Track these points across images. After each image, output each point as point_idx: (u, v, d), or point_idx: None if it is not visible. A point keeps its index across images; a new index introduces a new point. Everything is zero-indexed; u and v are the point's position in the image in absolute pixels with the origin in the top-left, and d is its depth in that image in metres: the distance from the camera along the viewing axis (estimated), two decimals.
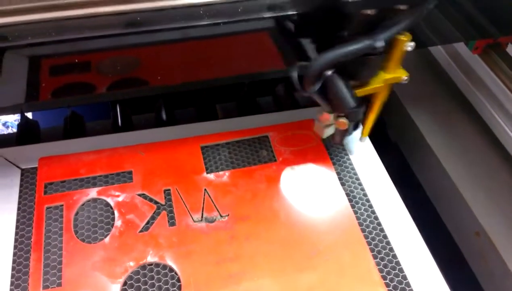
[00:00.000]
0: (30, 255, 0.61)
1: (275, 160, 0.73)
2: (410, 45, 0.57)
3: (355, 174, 0.72)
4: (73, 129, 0.88)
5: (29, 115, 1.09)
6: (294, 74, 0.56)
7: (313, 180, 0.71)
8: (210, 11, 0.56)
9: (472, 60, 0.83)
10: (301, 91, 0.56)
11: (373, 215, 0.67)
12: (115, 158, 0.71)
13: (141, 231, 0.63)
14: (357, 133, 0.72)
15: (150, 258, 0.60)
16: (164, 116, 0.91)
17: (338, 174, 0.72)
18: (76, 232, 0.63)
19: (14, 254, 0.61)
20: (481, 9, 0.66)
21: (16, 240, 0.63)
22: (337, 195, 0.69)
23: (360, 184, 0.71)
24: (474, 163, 0.78)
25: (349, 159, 0.75)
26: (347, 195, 0.69)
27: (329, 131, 0.65)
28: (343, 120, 0.60)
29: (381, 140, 0.83)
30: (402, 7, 0.53)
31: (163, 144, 0.74)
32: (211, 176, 0.70)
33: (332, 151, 0.75)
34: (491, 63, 0.75)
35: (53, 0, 0.52)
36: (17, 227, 0.64)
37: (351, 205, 0.68)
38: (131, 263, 0.60)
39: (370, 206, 0.68)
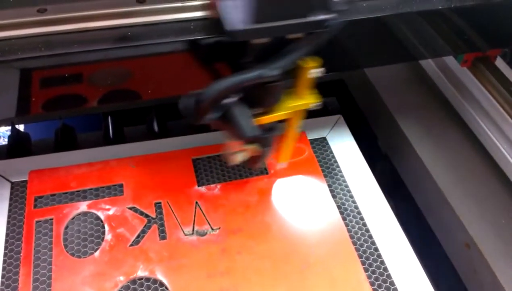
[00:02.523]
0: (19, 269, 0.60)
1: (267, 173, 0.73)
2: (316, 72, 0.55)
3: (347, 186, 0.73)
4: (64, 142, 0.88)
5: (21, 127, 1.09)
6: (187, 103, 0.53)
7: (305, 192, 0.71)
8: (201, 26, 0.56)
9: (461, 73, 0.83)
10: (194, 119, 0.54)
11: (364, 228, 0.68)
12: (105, 171, 0.71)
13: (131, 245, 0.63)
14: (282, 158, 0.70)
15: (141, 273, 0.60)
16: (156, 127, 0.91)
17: (329, 186, 0.72)
18: (66, 246, 0.63)
19: (3, 269, 0.61)
20: (470, 23, 0.67)
21: (5, 254, 0.62)
22: (329, 207, 0.69)
23: (351, 196, 0.71)
24: (464, 174, 0.79)
25: (340, 171, 0.75)
26: (339, 207, 0.70)
27: (239, 158, 0.63)
28: (252, 146, 0.59)
29: (372, 152, 0.83)
30: (296, 35, 0.51)
31: (154, 157, 0.74)
32: (202, 189, 0.70)
33: (323, 163, 0.76)
34: (480, 76, 0.76)
35: (44, 15, 0.52)
36: (6, 241, 0.64)
37: (342, 217, 0.68)
38: (121, 278, 0.59)
39: (362, 218, 0.69)
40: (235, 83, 0.50)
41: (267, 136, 0.60)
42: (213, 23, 0.53)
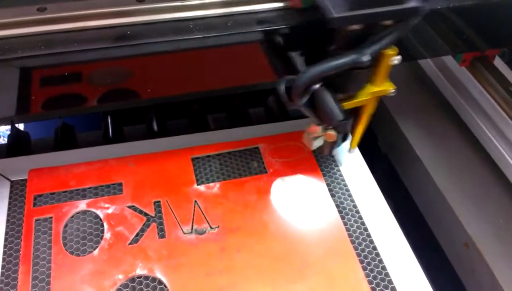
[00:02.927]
0: (19, 267, 0.60)
1: (266, 172, 0.73)
2: (396, 59, 0.58)
3: (345, 185, 0.73)
4: (64, 141, 0.88)
5: (21, 126, 1.09)
6: (282, 87, 0.56)
7: (303, 191, 0.71)
8: (200, 25, 0.56)
9: (460, 73, 0.84)
10: (289, 104, 0.57)
11: (362, 226, 0.68)
12: (105, 170, 0.71)
13: (130, 244, 0.63)
14: (346, 144, 0.73)
15: (139, 271, 0.60)
16: (155, 127, 0.91)
17: (328, 185, 0.72)
18: (65, 245, 0.63)
19: (3, 267, 0.61)
20: (468, 23, 0.67)
21: (4, 252, 0.62)
22: (327, 206, 0.69)
23: (350, 196, 0.72)
24: (463, 174, 0.79)
25: (339, 171, 0.75)
26: (337, 206, 0.70)
27: (317, 143, 0.66)
28: (332, 132, 0.61)
29: (371, 152, 0.83)
30: (388, 22, 0.54)
31: (154, 156, 0.74)
32: (201, 188, 0.70)
33: (322, 163, 0.76)
34: (478, 76, 0.76)
35: (44, 14, 0.53)
36: (5, 239, 0.64)
37: (341, 216, 0.68)
38: (120, 276, 0.60)
39: (360, 218, 0.69)
40: (330, 68, 0.53)
41: (346, 123, 0.62)
42: (293, 13, 0.57)
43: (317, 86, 0.56)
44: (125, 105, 0.89)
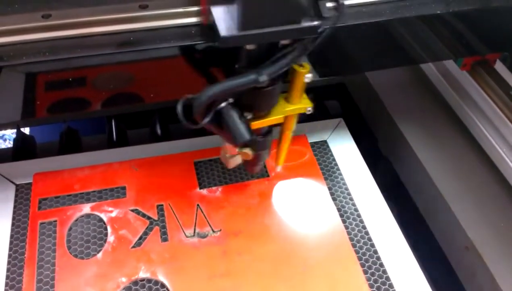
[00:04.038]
0: (23, 270, 0.61)
1: (268, 175, 0.74)
2: (309, 77, 0.56)
3: (347, 189, 0.73)
4: (69, 144, 0.89)
5: (27, 130, 1.10)
6: (179, 107, 0.53)
7: (305, 195, 0.71)
8: (202, 31, 0.57)
9: (461, 77, 0.84)
10: (189, 123, 0.54)
11: (364, 230, 0.68)
12: (108, 174, 0.72)
13: (133, 247, 0.64)
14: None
15: (142, 274, 0.61)
16: (158, 131, 0.92)
17: (329, 189, 0.73)
18: (69, 248, 0.64)
19: (8, 270, 0.62)
20: (469, 27, 0.68)
21: (9, 255, 0.63)
22: (329, 210, 0.70)
23: (351, 199, 0.72)
24: (463, 177, 0.79)
25: (340, 174, 0.75)
26: (339, 210, 0.70)
27: (235, 161, 0.64)
28: (246, 151, 0.59)
29: (373, 155, 0.84)
30: (285, 42, 0.51)
31: (157, 160, 0.75)
32: (204, 191, 0.71)
33: (324, 166, 0.76)
34: (479, 79, 0.77)
35: (48, 21, 0.53)
36: (11, 242, 0.65)
37: (342, 220, 0.69)
38: (123, 279, 0.60)
39: (361, 221, 0.69)
40: (228, 87, 0.51)
41: (263, 140, 0.61)
42: (205, 29, 0.54)
43: (223, 105, 0.54)
44: (129, 109, 0.90)
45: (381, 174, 0.80)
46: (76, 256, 0.63)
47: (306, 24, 0.49)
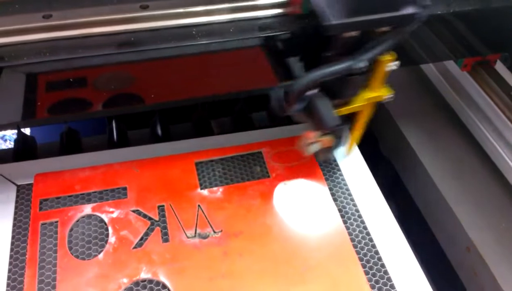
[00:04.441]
0: (25, 271, 0.61)
1: (269, 176, 0.74)
2: (393, 65, 0.58)
3: (347, 189, 0.73)
4: (69, 145, 0.89)
5: (27, 130, 1.10)
6: (277, 94, 0.56)
7: (306, 195, 0.71)
8: (203, 31, 0.57)
9: (462, 77, 0.84)
10: (284, 110, 0.57)
11: (365, 231, 0.68)
12: (110, 174, 0.72)
13: (134, 247, 0.64)
14: (343, 149, 0.73)
15: (144, 275, 0.61)
16: (159, 131, 0.92)
17: (330, 189, 0.73)
18: (70, 249, 0.64)
19: (9, 270, 0.62)
20: (469, 28, 0.68)
21: (11, 256, 0.63)
22: (330, 210, 0.70)
23: (352, 200, 0.72)
24: (465, 178, 0.79)
25: (341, 175, 0.75)
26: (339, 210, 0.70)
27: (313, 149, 0.66)
28: (328, 137, 0.61)
29: (374, 155, 0.84)
30: (384, 29, 0.54)
31: (158, 160, 0.74)
32: (205, 192, 0.71)
33: (324, 167, 0.76)
34: (480, 80, 0.77)
35: (49, 21, 0.53)
36: (12, 243, 0.65)
37: (343, 220, 0.69)
38: (125, 280, 0.60)
39: (362, 222, 0.69)
40: (326, 74, 0.53)
41: (342, 128, 0.62)
42: (293, 19, 0.57)
43: (313, 92, 0.56)
44: (129, 110, 0.90)
45: (382, 175, 0.79)
46: (77, 256, 0.63)
47: (405, 12, 0.51)
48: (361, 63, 0.53)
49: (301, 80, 0.54)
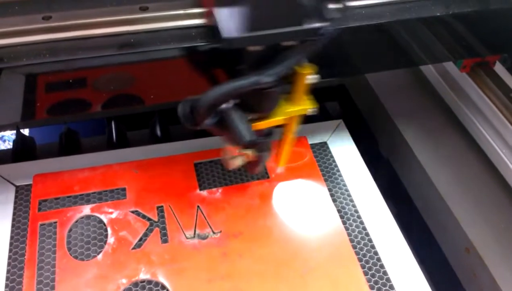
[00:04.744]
0: (24, 272, 0.61)
1: (268, 177, 0.74)
2: (313, 78, 0.56)
3: (347, 190, 0.73)
4: (69, 146, 0.89)
5: (26, 131, 1.10)
6: (184, 109, 0.54)
7: (305, 196, 0.72)
8: (201, 33, 0.57)
9: (461, 78, 0.84)
10: (196, 124, 0.54)
11: (364, 231, 0.68)
12: (109, 175, 0.72)
13: (133, 248, 0.64)
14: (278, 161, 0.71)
15: (143, 275, 0.61)
16: (158, 132, 0.92)
17: (330, 190, 0.73)
18: (69, 249, 0.64)
19: (8, 271, 0.62)
20: (468, 29, 0.68)
21: (9, 257, 0.63)
22: (329, 211, 0.70)
23: (351, 200, 0.72)
24: (464, 179, 0.79)
25: (340, 175, 0.75)
26: (339, 211, 0.70)
27: (237, 162, 0.64)
28: (248, 152, 0.60)
29: (373, 156, 0.84)
30: (290, 43, 0.51)
31: (157, 161, 0.75)
32: (204, 193, 0.71)
33: (324, 168, 0.76)
34: (479, 81, 0.77)
35: (48, 23, 0.53)
36: (11, 244, 0.65)
37: (342, 221, 0.69)
38: (124, 280, 0.60)
39: (361, 223, 0.69)
40: (232, 89, 0.51)
41: (264, 141, 0.61)
42: (209, 31, 0.54)
43: (227, 106, 0.54)
44: (129, 110, 0.90)
45: (381, 175, 0.80)
46: (76, 257, 0.63)
47: (308, 26, 0.49)
48: (267, 78, 0.50)
49: (207, 95, 0.51)
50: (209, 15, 0.53)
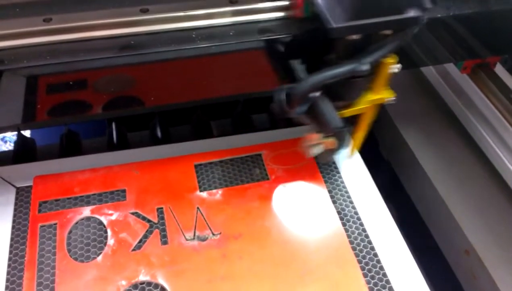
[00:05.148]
0: (24, 273, 0.61)
1: (268, 178, 0.74)
2: (396, 67, 0.59)
3: (347, 192, 0.73)
4: (69, 147, 0.90)
5: (27, 132, 1.10)
6: (281, 96, 0.57)
7: (305, 198, 0.71)
8: (202, 34, 0.57)
9: (462, 80, 0.84)
10: (285, 112, 0.57)
11: (364, 233, 0.68)
12: (109, 177, 0.72)
13: (133, 250, 0.64)
14: (345, 151, 0.73)
15: (142, 277, 0.61)
16: (159, 133, 0.92)
17: (329, 192, 0.73)
18: (69, 251, 0.64)
19: (8, 273, 0.62)
20: (469, 31, 0.68)
21: (9, 258, 0.63)
22: (329, 213, 0.70)
23: (351, 202, 0.72)
24: (464, 181, 0.79)
25: (340, 177, 0.75)
26: (339, 213, 0.70)
27: (316, 151, 0.66)
28: (331, 139, 0.61)
29: (374, 158, 0.84)
30: (387, 32, 0.54)
31: (157, 163, 0.75)
32: (204, 194, 0.71)
33: (324, 169, 0.76)
34: (480, 83, 0.77)
35: (49, 25, 0.54)
36: (11, 245, 0.65)
37: (342, 223, 0.69)
38: (123, 282, 0.60)
39: (361, 224, 0.69)
40: (329, 77, 0.54)
41: (344, 130, 0.62)
42: (295, 22, 0.58)
43: (316, 94, 0.57)
44: (129, 112, 0.90)
45: (382, 177, 0.80)
46: (76, 259, 0.63)
47: (409, 14, 0.51)
48: (364, 66, 0.53)
49: (304, 83, 0.54)
50: (295, 7, 0.57)
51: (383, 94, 0.63)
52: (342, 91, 0.59)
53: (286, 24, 0.60)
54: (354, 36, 0.53)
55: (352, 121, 0.66)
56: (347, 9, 0.50)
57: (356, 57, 0.54)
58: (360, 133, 0.69)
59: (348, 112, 0.62)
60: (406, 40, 0.55)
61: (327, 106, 0.57)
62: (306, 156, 0.67)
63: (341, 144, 0.65)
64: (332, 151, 0.67)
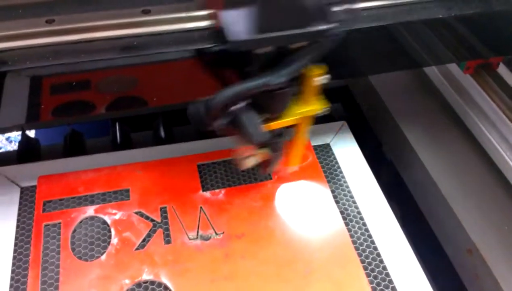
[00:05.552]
0: (28, 272, 0.62)
1: (271, 178, 0.74)
2: (323, 79, 0.56)
3: (350, 191, 0.73)
4: (73, 147, 0.90)
5: (31, 132, 1.11)
6: (195, 109, 0.54)
7: (308, 198, 0.72)
8: (204, 35, 0.57)
9: (464, 80, 0.84)
10: (207, 125, 0.55)
11: (366, 233, 0.68)
12: (112, 176, 0.73)
13: (137, 249, 0.64)
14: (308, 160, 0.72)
15: (146, 276, 0.61)
16: (162, 133, 0.93)
17: (332, 191, 0.73)
18: (73, 250, 0.64)
19: (12, 271, 0.62)
20: (471, 31, 0.68)
21: (14, 257, 0.64)
22: (332, 213, 0.70)
23: (354, 202, 0.72)
24: (467, 180, 0.79)
25: (343, 177, 0.76)
26: (341, 212, 0.70)
27: (250, 163, 0.65)
28: (262, 151, 0.60)
29: (376, 158, 0.84)
30: (300, 44, 0.52)
31: (160, 163, 0.75)
32: (207, 194, 0.71)
33: (327, 169, 0.76)
34: (482, 83, 0.77)
35: (52, 26, 0.54)
36: (15, 244, 0.65)
37: (345, 222, 0.69)
38: (127, 281, 0.61)
39: (364, 224, 0.69)
40: (242, 90, 0.52)
41: (276, 142, 0.62)
42: (217, 33, 0.54)
43: (239, 106, 0.54)
44: (132, 112, 0.91)
45: (384, 177, 0.80)
46: (80, 258, 0.63)
47: (314, 28, 0.49)
48: (277, 79, 0.51)
49: (218, 96, 0.52)
50: (215, 17, 0.54)
51: (314, 106, 0.60)
52: (267, 103, 0.57)
53: (210, 34, 0.56)
54: (264, 49, 0.51)
55: (283, 133, 0.63)
56: (253, 22, 0.48)
57: (273, 70, 0.52)
58: (298, 145, 0.67)
59: (275, 124, 0.60)
60: (321, 53, 0.52)
61: (249, 119, 0.55)
62: (240, 168, 0.66)
63: (276, 155, 0.65)
64: (269, 162, 0.66)
